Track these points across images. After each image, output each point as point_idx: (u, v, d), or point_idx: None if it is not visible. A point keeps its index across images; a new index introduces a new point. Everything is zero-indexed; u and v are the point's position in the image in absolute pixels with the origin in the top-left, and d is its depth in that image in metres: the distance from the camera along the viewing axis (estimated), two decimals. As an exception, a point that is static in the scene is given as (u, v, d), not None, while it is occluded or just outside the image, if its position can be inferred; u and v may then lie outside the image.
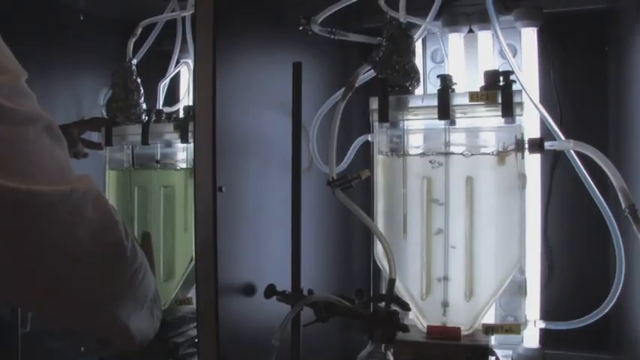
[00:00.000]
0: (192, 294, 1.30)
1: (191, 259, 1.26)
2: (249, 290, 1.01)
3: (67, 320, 0.78)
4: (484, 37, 1.34)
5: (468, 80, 1.31)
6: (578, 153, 1.10)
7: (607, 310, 1.09)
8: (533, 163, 1.21)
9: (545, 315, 1.21)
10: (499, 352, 1.09)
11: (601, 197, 1.10)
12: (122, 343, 0.90)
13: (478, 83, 1.10)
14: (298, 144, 0.97)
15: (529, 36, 1.27)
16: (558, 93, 1.35)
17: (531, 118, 1.18)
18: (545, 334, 1.23)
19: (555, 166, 1.33)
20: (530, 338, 1.22)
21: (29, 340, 1.29)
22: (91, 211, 0.68)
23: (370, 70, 1.10)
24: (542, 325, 1.17)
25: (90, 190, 0.69)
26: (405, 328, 0.90)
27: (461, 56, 1.36)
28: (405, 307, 0.93)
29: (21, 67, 0.67)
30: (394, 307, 0.93)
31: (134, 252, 0.76)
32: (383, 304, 0.93)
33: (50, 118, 0.67)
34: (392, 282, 0.92)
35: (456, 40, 1.35)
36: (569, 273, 1.37)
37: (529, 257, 1.14)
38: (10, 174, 0.60)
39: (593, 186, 1.10)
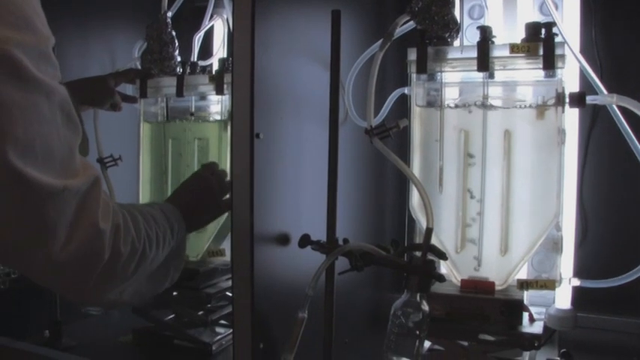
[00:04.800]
0: (224, 246, 1.31)
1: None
2: (283, 240, 1.02)
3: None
4: (524, -9, 1.31)
5: (506, 37, 1.28)
6: (620, 109, 1.08)
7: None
8: (570, 119, 1.18)
9: (578, 276, 1.20)
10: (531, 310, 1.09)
11: (645, 154, 1.08)
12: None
13: (516, 40, 1.07)
14: (336, 94, 0.96)
15: (571, -9, 1.24)
16: (599, 51, 1.32)
17: (569, 76, 1.15)
18: (577, 296, 1.23)
19: (594, 123, 1.31)
20: (562, 299, 1.22)
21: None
22: (75, 213, 0.68)
23: (409, 21, 1.08)
24: (576, 282, 1.15)
25: (81, 189, 0.68)
26: (441, 278, 0.90)
27: (499, 12, 1.33)
28: (442, 257, 0.93)
29: (50, 32, 0.66)
30: (430, 257, 0.92)
31: (116, 254, 0.75)
32: (419, 253, 0.93)
33: (67, 96, 0.67)
34: (429, 231, 0.91)
35: (495, -6, 1.32)
36: (603, 234, 1.36)
37: (563, 218, 1.12)
38: (13, 141, 0.60)
39: (637, 142, 1.08)
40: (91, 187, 0.70)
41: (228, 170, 1.22)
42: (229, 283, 1.29)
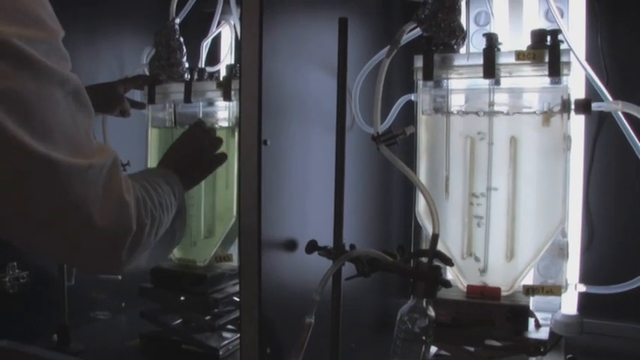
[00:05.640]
0: (231, 251, 1.32)
1: (232, 217, 1.28)
2: (290, 245, 1.02)
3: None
4: (530, -2, 1.31)
5: (511, 44, 1.28)
6: (626, 116, 1.08)
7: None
8: (576, 126, 1.18)
9: (584, 282, 1.20)
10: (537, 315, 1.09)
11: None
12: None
13: (522, 47, 1.07)
14: (343, 100, 0.97)
15: (577, -1, 1.24)
16: (605, 58, 1.33)
17: (576, 83, 1.15)
18: (583, 302, 1.23)
19: (600, 130, 1.31)
20: (568, 305, 1.22)
21: (74, 292, 1.34)
22: (103, 189, 0.70)
23: (415, 28, 1.09)
24: (582, 288, 1.16)
25: (105, 166, 0.71)
26: (447, 283, 0.90)
27: (505, 19, 1.33)
28: (448, 262, 0.93)
29: (59, 25, 0.68)
30: (436, 263, 0.93)
31: (141, 225, 0.78)
32: (425, 259, 0.93)
33: (79, 83, 0.69)
34: (435, 237, 0.92)
35: (500, 1, 1.32)
36: (609, 240, 1.36)
37: (569, 224, 1.12)
38: (33, 129, 0.62)
39: (642, 149, 1.08)
40: (112, 164, 0.73)
41: (235, 176, 1.23)
42: (236, 288, 1.30)
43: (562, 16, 1.24)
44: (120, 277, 1.45)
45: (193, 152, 1.10)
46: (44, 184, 0.64)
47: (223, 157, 1.16)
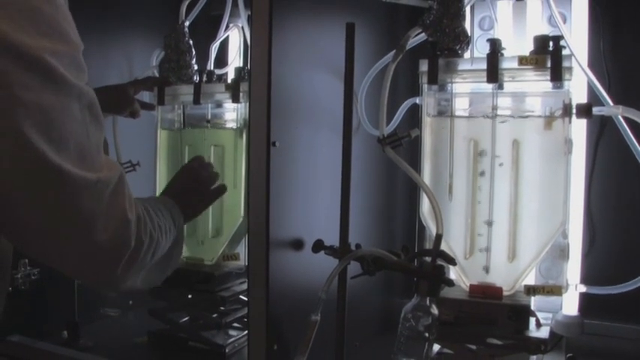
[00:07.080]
0: (239, 250, 1.34)
1: (240, 217, 1.30)
2: (297, 245, 1.05)
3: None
4: (533, 4, 1.33)
5: (515, 48, 1.30)
6: (626, 120, 1.10)
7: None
8: (578, 130, 1.20)
9: (585, 283, 1.22)
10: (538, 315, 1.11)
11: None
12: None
13: (525, 51, 1.09)
14: (350, 103, 0.99)
15: (580, 4, 1.26)
16: (607, 63, 1.35)
17: (578, 87, 1.17)
18: (584, 303, 1.25)
19: (602, 134, 1.33)
20: (569, 306, 1.24)
21: (84, 290, 1.37)
22: (108, 204, 0.72)
23: (420, 33, 1.11)
24: (583, 289, 1.17)
25: (112, 181, 0.72)
26: (450, 282, 0.93)
27: (509, 23, 1.35)
28: (451, 262, 0.96)
29: (80, 39, 0.70)
30: (440, 262, 0.95)
31: (139, 243, 0.79)
32: (428, 259, 0.95)
33: (94, 96, 0.71)
34: (439, 237, 0.94)
35: (504, 6, 1.34)
36: (610, 243, 1.38)
37: (571, 226, 1.13)
38: (51, 140, 0.64)
39: (642, 153, 1.10)
40: (118, 180, 0.74)
41: (243, 177, 1.25)
42: (243, 286, 1.32)
43: (565, 21, 1.26)
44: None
45: (193, 184, 1.12)
46: (54, 193, 0.66)
47: (223, 189, 1.18)
